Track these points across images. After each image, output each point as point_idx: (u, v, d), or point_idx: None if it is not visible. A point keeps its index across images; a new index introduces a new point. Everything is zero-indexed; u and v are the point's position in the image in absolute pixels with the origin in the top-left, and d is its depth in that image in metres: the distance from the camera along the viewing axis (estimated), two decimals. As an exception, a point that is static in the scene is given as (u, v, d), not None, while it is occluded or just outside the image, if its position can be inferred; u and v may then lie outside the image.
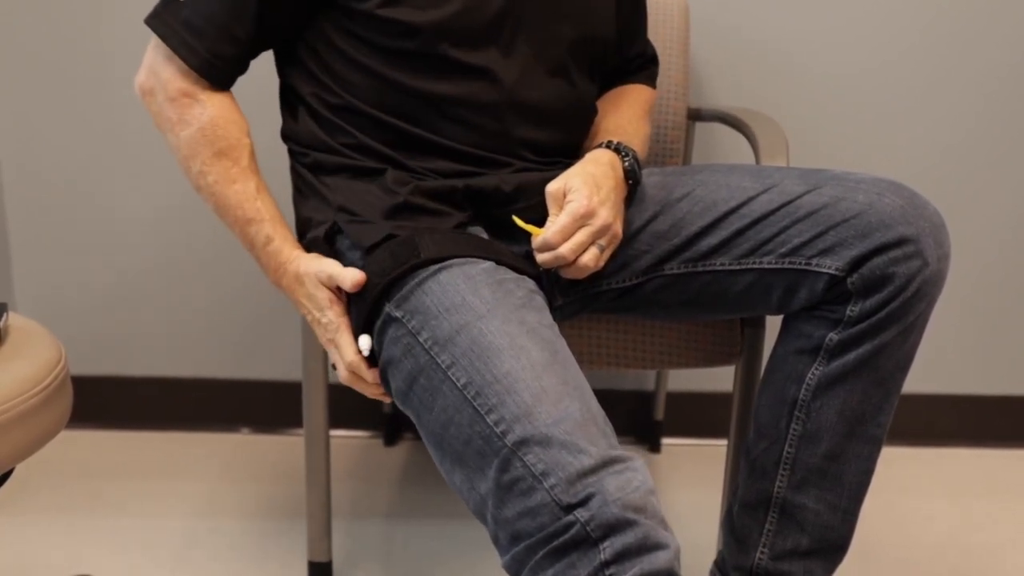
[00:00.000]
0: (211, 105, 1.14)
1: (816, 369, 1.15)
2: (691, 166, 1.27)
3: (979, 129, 1.84)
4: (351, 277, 1.05)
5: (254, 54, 1.18)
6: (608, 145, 1.18)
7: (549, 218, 1.10)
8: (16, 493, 1.72)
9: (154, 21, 1.14)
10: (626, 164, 1.17)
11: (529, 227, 1.10)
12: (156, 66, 1.16)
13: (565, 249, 1.07)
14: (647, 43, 1.42)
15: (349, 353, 1.08)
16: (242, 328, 1.93)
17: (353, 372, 1.09)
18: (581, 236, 1.08)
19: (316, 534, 1.45)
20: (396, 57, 1.12)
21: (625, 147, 1.18)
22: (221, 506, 1.70)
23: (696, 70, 1.79)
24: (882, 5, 1.77)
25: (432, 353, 0.97)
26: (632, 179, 1.17)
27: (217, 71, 1.14)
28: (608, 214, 1.09)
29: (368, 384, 1.09)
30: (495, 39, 1.14)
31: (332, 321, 1.09)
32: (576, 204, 1.07)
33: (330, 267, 1.09)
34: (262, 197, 1.15)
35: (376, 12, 1.10)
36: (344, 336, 1.08)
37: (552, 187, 1.10)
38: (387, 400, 1.09)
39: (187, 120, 1.14)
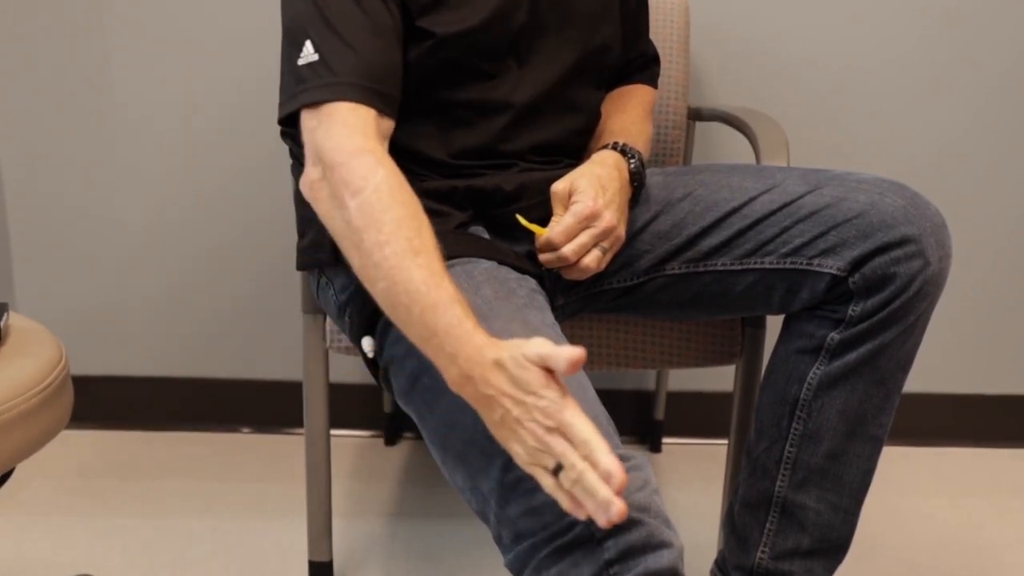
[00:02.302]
0: (384, 159, 0.98)
1: (817, 369, 1.15)
2: (692, 166, 1.27)
3: (979, 129, 1.84)
4: (567, 356, 0.79)
5: (403, 47, 1.08)
6: (614, 147, 1.18)
7: (553, 218, 1.10)
8: (16, 493, 1.72)
9: (303, 96, 1.01)
10: (632, 166, 1.17)
11: (532, 226, 1.10)
12: (316, 146, 1.00)
13: (568, 250, 1.07)
14: (649, 43, 1.42)
15: (587, 430, 0.79)
16: (243, 328, 1.93)
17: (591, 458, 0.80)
18: (584, 238, 1.08)
19: (316, 534, 1.45)
20: (409, 67, 1.10)
21: (631, 149, 1.18)
22: (221, 506, 1.70)
23: (696, 70, 1.79)
24: (882, 4, 1.77)
25: (435, 353, 0.96)
26: (637, 181, 1.17)
27: (380, 82, 1.03)
28: (612, 216, 1.09)
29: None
30: (513, 50, 1.14)
31: (554, 401, 0.80)
32: (581, 205, 1.07)
33: (538, 346, 0.82)
34: (447, 273, 0.92)
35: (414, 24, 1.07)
36: (574, 413, 0.80)
37: (558, 187, 1.10)
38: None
39: (358, 186, 0.94)
